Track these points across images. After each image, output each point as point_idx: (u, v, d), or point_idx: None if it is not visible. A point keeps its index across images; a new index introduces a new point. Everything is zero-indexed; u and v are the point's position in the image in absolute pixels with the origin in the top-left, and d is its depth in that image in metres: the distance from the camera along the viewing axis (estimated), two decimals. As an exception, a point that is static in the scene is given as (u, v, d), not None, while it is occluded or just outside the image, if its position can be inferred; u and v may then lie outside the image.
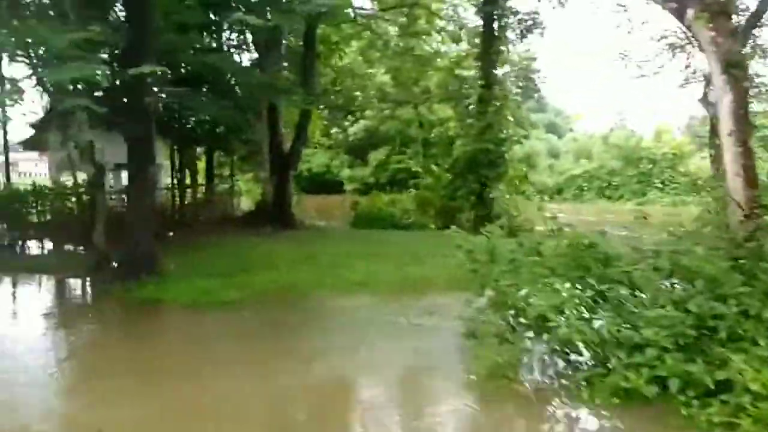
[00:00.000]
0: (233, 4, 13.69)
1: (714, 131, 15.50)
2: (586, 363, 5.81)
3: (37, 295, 10.85)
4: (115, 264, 11.07)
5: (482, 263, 6.76)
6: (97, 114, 8.33)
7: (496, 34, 19.20)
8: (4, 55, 12.17)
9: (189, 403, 5.51)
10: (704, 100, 15.77)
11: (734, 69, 6.46)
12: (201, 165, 23.16)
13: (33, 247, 15.95)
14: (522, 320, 6.41)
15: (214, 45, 17.24)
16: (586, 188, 38.46)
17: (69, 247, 15.53)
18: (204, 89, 15.15)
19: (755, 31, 14.21)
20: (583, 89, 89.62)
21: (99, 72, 7.19)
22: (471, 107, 22.63)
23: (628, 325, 5.48)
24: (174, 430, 5.04)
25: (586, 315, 5.62)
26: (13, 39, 7.07)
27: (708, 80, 16.16)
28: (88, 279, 11.00)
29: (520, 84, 27.42)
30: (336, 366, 6.53)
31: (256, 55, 20.13)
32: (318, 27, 18.44)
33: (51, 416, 5.39)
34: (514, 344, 6.24)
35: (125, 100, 9.65)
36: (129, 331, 8.32)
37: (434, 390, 6.13)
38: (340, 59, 25.02)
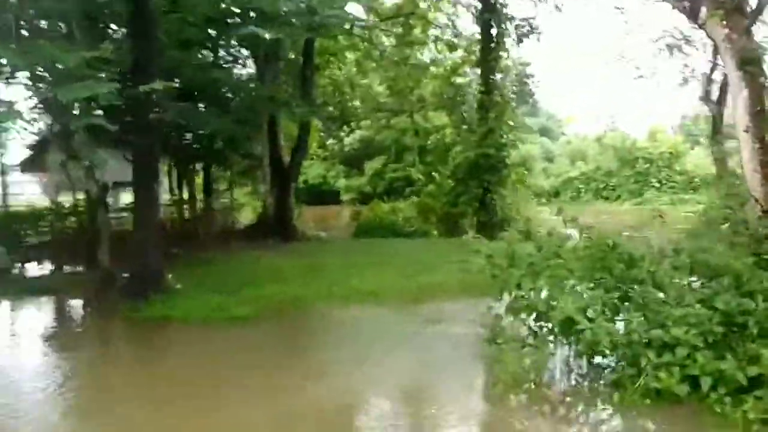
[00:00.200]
0: (235, 20, 13.74)
1: (716, 129, 15.63)
2: (613, 365, 5.77)
3: (42, 317, 10.66)
4: (121, 282, 10.93)
5: (502, 268, 6.67)
6: (107, 132, 8.24)
7: (494, 40, 19.25)
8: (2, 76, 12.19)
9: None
10: (705, 98, 15.88)
11: (749, 66, 6.46)
12: (198, 180, 23.07)
13: (33, 268, 15.76)
14: (545, 324, 6.36)
15: (212, 60, 17.22)
16: (583, 190, 38.57)
17: (70, 267, 15.37)
18: (205, 104, 15.16)
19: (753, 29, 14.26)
20: (573, 92, 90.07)
21: (112, 90, 7.09)
22: (467, 114, 22.74)
23: (656, 325, 5.43)
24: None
25: (615, 317, 5.56)
26: (16, 58, 6.94)
27: (708, 79, 16.32)
28: (94, 299, 10.83)
29: (514, 89, 27.57)
30: (360, 382, 6.39)
31: (251, 70, 20.23)
32: (316, 39, 18.48)
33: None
34: (538, 348, 6.18)
35: (131, 117, 9.55)
36: (140, 352, 8.13)
37: (463, 396, 6.04)
38: (339, 70, 25.04)
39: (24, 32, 9.91)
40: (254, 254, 15.26)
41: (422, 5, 24.10)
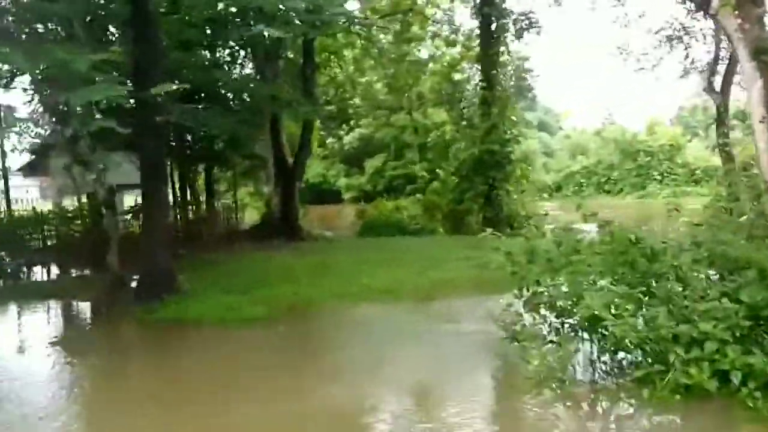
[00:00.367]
0: (235, 20, 13.69)
1: (720, 120, 15.61)
2: (639, 361, 5.74)
3: (56, 322, 10.61)
4: (132, 285, 10.88)
5: (521, 264, 6.64)
6: (114, 135, 8.18)
7: (494, 35, 19.19)
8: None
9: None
10: (709, 89, 15.83)
11: (764, 56, 6.43)
12: (200, 181, 22.99)
13: (39, 272, 15.69)
14: (568, 321, 6.34)
15: (213, 60, 17.16)
16: (584, 184, 38.59)
17: (76, 271, 15.31)
18: (208, 105, 15.08)
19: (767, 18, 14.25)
20: (570, 86, 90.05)
21: (123, 93, 7.04)
22: (465, 110, 22.68)
23: (681, 320, 5.40)
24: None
25: (638, 312, 5.53)
26: (25, 62, 6.86)
27: (712, 70, 16.30)
28: (105, 302, 10.76)
29: (512, 83, 27.54)
30: (380, 382, 6.35)
31: (248, 71, 20.18)
32: (316, 38, 18.41)
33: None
34: (561, 345, 6.14)
35: (138, 119, 9.49)
36: (158, 354, 8.05)
37: (490, 394, 6.02)
38: (339, 68, 24.98)
39: (24, 36, 9.92)
40: (261, 254, 15.23)
41: (419, 1, 24.07)
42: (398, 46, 25.37)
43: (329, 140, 42.01)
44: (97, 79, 6.94)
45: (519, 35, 20.18)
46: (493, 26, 19.29)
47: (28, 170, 21.03)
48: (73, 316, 11.04)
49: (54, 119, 8.16)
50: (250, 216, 24.80)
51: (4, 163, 18.93)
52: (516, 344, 6.45)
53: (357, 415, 5.56)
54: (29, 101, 14.67)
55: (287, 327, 8.71)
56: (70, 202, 18.46)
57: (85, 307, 11.04)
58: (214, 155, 20.11)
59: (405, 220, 19.44)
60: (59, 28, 10.18)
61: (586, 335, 6.38)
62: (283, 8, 12.37)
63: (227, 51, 18.39)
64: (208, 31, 15.25)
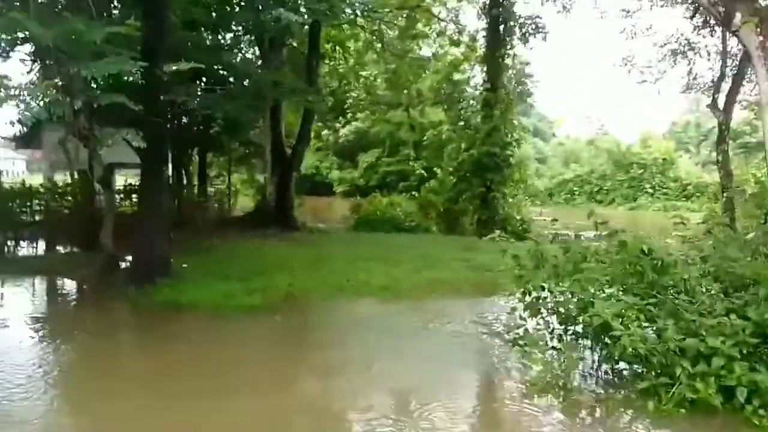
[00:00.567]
0: (243, 3, 13.51)
1: (722, 137, 15.73)
2: (641, 372, 5.72)
3: (48, 300, 10.37)
4: (125, 265, 10.70)
5: (527, 269, 6.61)
6: (116, 112, 8.01)
7: (502, 37, 19.19)
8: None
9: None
10: (713, 106, 15.92)
11: (783, 74, 6.44)
12: (193, 166, 22.76)
13: (25, 248, 15.40)
14: (571, 327, 6.32)
15: (217, 44, 16.95)
16: (577, 192, 38.81)
17: (63, 248, 15.07)
18: (209, 86, 14.87)
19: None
20: (564, 94, 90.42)
21: (138, 66, 6.88)
22: (463, 110, 22.66)
23: (688, 334, 5.40)
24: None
25: (647, 324, 5.52)
26: (40, 31, 6.64)
27: (716, 87, 16.40)
28: (97, 281, 10.57)
29: (512, 87, 27.56)
30: (378, 379, 6.26)
31: (250, 56, 19.98)
32: (322, 28, 18.28)
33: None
34: (563, 352, 6.12)
35: (143, 97, 9.29)
36: (153, 339, 7.87)
37: (491, 399, 5.97)
38: (344, 60, 24.85)
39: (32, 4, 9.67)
40: (255, 243, 15.10)
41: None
42: (402, 42, 25.29)
43: (324, 132, 41.83)
44: (107, 52, 6.77)
45: (525, 39, 20.20)
46: (501, 28, 19.25)
47: (20, 142, 20.66)
48: (64, 294, 10.84)
49: (56, 91, 7.92)
50: (243, 203, 24.60)
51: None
52: (517, 348, 6.43)
53: (349, 411, 5.52)
54: (28, 72, 14.42)
55: (283, 317, 8.59)
56: (61, 178, 18.16)
57: (76, 286, 10.84)
58: (210, 140, 19.90)
59: (400, 217, 19.38)
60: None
61: (587, 343, 6.41)
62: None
63: (231, 35, 18.19)
64: (214, 15, 15.07)
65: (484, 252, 13.87)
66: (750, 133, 29.37)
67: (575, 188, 39.04)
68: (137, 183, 17.40)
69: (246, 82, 15.39)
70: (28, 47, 11.98)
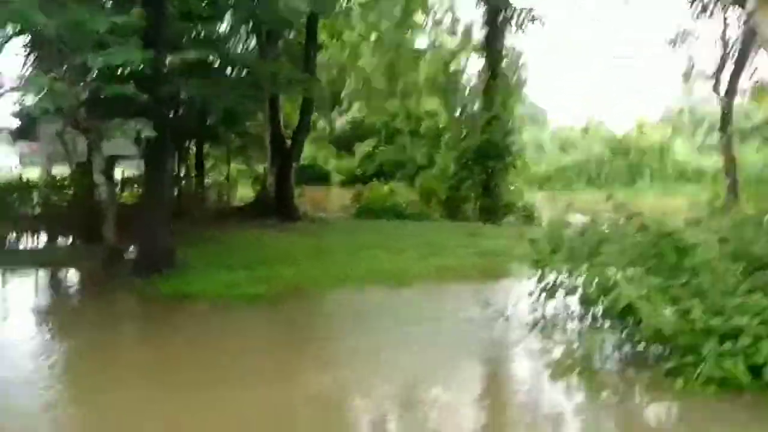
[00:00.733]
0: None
1: (725, 123, 15.70)
2: (664, 353, 5.67)
3: (55, 293, 10.24)
4: (129, 257, 10.56)
5: (544, 252, 6.53)
6: (120, 104, 7.84)
7: (501, 24, 19.07)
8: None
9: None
10: (716, 91, 15.86)
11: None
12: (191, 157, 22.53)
13: (25, 241, 15.20)
14: (592, 309, 6.26)
15: (214, 35, 16.67)
16: (575, 179, 38.75)
17: (64, 241, 14.90)
18: (205, 76, 14.64)
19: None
20: (557, 82, 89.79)
21: (144, 57, 6.70)
22: (460, 99, 22.58)
23: (713, 314, 5.33)
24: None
25: (671, 304, 5.45)
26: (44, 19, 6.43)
27: (719, 73, 16.34)
28: (102, 274, 10.43)
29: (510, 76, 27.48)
30: (391, 367, 6.15)
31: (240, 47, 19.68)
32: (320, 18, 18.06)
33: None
34: (589, 334, 6.06)
35: (146, 89, 9.11)
36: (161, 329, 7.77)
37: (518, 382, 5.90)
38: (342, 51, 24.64)
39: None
40: (256, 233, 14.92)
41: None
42: (397, 33, 25.10)
43: (320, 122, 41.55)
44: (110, 42, 6.59)
45: (522, 27, 20.03)
46: (500, 17, 19.12)
47: (16, 135, 20.34)
48: (69, 286, 10.71)
49: (59, 83, 7.72)
50: (241, 194, 24.39)
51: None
52: (538, 331, 6.36)
53: (356, 401, 5.46)
54: (24, 64, 14.17)
55: (288, 306, 8.48)
56: (58, 171, 17.94)
57: (80, 278, 10.70)
58: (207, 131, 19.67)
59: (401, 205, 19.27)
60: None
61: (607, 325, 6.33)
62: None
63: (227, 25, 17.92)
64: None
65: (489, 237, 13.82)
66: (746, 119, 29.33)
67: (573, 174, 38.96)
68: (135, 175, 17.33)
69: (241, 74, 15.19)
70: (22, 39, 11.79)
